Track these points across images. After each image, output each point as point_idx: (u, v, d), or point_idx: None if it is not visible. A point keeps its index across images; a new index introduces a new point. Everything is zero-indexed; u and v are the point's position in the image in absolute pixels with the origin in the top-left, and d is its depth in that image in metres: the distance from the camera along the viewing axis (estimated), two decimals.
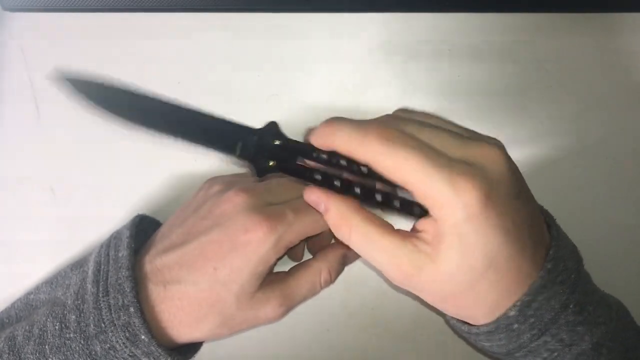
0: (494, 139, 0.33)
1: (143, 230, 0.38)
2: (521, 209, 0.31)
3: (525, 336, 0.32)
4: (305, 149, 0.34)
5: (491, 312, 0.32)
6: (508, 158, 0.32)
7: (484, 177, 0.30)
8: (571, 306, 0.32)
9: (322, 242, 0.40)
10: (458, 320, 0.35)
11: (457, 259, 0.30)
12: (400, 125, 0.32)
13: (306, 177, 0.34)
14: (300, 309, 0.38)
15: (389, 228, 0.33)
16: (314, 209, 0.35)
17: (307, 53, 0.45)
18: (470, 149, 0.31)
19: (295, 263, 0.40)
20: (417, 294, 0.33)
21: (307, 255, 0.42)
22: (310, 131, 0.34)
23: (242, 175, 0.40)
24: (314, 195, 0.34)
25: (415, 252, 0.31)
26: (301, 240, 0.36)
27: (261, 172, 0.35)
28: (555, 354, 0.32)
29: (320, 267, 0.38)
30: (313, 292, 0.38)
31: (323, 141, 0.33)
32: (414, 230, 0.33)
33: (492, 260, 0.30)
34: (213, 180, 0.39)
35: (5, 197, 0.43)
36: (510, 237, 0.30)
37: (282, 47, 0.45)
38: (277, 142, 0.35)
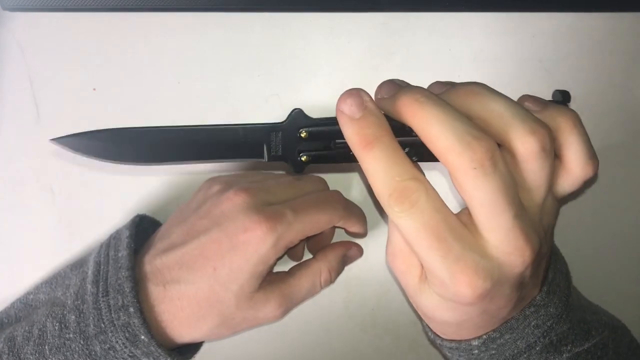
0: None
1: (143, 230, 0.38)
2: (514, 297, 0.31)
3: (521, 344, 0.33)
4: (335, 129, 0.32)
5: (458, 337, 0.34)
6: (537, 259, 0.30)
7: (489, 277, 0.28)
8: (537, 348, 0.33)
9: (322, 241, 0.40)
10: (428, 326, 0.36)
11: (433, 299, 0.31)
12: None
13: (346, 159, 0.33)
14: (300, 309, 0.38)
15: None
16: (314, 208, 0.35)
17: (307, 53, 0.45)
18: (499, 242, 0.28)
19: (295, 263, 0.40)
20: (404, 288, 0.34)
21: (307, 255, 0.42)
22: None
23: (242, 175, 0.40)
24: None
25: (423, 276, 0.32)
26: (301, 240, 0.36)
27: (298, 168, 0.35)
28: None
29: (320, 267, 0.38)
30: (313, 292, 0.38)
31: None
32: None
33: (460, 321, 0.31)
34: (213, 179, 0.39)
35: (5, 197, 0.43)
36: (485, 314, 0.31)
37: (282, 47, 0.45)
38: (303, 134, 0.34)
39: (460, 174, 0.28)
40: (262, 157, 0.35)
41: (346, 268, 0.41)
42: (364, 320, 0.43)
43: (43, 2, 0.43)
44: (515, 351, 0.33)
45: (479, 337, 0.33)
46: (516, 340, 0.33)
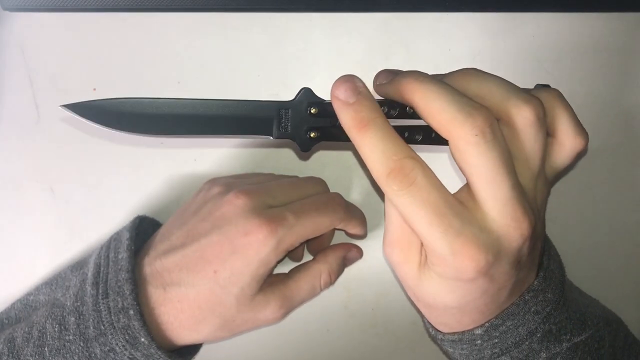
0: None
1: (143, 231, 0.38)
2: (513, 276, 0.31)
3: (487, 352, 0.33)
4: None
5: (459, 327, 0.33)
6: (534, 235, 0.30)
7: (490, 250, 0.29)
8: (538, 335, 0.33)
9: (322, 243, 0.40)
10: (429, 322, 0.36)
11: (432, 283, 0.31)
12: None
13: None
14: (300, 310, 0.38)
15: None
16: (315, 211, 0.35)
17: (307, 53, 0.44)
18: (498, 214, 0.29)
19: (295, 264, 0.40)
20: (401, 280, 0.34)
21: (307, 256, 0.42)
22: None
23: (242, 177, 0.40)
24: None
25: (423, 261, 0.32)
26: (301, 242, 0.36)
27: (305, 146, 0.34)
28: None
29: (320, 269, 0.38)
30: (313, 294, 0.38)
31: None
32: None
33: (460, 303, 0.31)
34: (213, 181, 0.39)
35: (5, 197, 0.43)
36: (486, 294, 0.31)
37: (282, 47, 0.45)
38: (313, 110, 0.34)
39: (462, 143, 0.28)
40: (271, 134, 0.35)
41: (346, 268, 0.41)
42: (364, 320, 0.43)
43: (43, 2, 0.43)
44: (517, 339, 0.33)
45: (481, 326, 0.32)
46: (517, 327, 0.32)
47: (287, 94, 0.43)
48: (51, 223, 0.43)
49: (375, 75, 0.35)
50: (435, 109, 0.29)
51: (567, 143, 0.32)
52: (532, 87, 0.40)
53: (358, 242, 0.42)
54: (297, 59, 0.44)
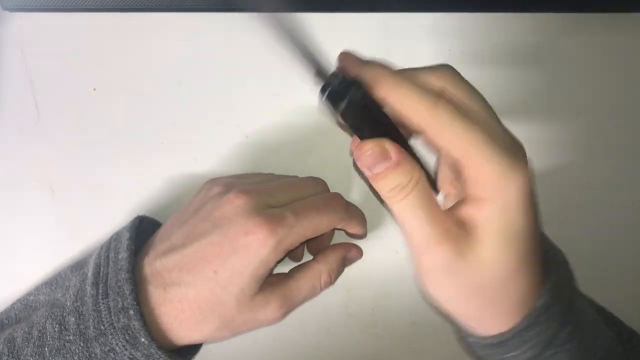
0: None
1: (143, 231, 0.38)
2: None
3: (552, 330, 0.32)
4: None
5: (518, 312, 0.32)
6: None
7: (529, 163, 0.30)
8: (577, 290, 0.34)
9: (322, 242, 0.40)
10: (472, 336, 0.34)
11: (502, 246, 0.30)
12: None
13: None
14: (300, 309, 0.38)
15: (440, 208, 0.31)
16: (315, 211, 0.35)
17: None
18: (514, 141, 0.31)
19: (295, 263, 0.40)
20: (440, 289, 0.32)
21: (307, 256, 0.42)
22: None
23: (242, 176, 0.40)
24: (387, 145, 0.31)
25: (458, 239, 0.30)
26: (301, 242, 0.36)
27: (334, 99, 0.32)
28: (575, 342, 0.32)
29: (321, 269, 0.38)
30: (313, 294, 0.38)
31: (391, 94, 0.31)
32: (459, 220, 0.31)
33: (527, 251, 0.30)
34: (213, 181, 0.39)
35: (5, 197, 0.43)
36: (538, 230, 0.31)
37: (282, 47, 0.44)
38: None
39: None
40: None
41: (346, 268, 0.41)
42: (364, 320, 0.43)
43: (43, 3, 0.43)
44: (570, 296, 0.33)
45: (545, 291, 0.31)
46: (564, 286, 0.33)
47: (287, 94, 0.44)
48: (51, 223, 0.43)
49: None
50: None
51: None
52: (532, 88, 0.40)
53: (358, 242, 0.42)
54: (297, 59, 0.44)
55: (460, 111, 0.29)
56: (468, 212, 0.30)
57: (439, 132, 0.29)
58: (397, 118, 0.31)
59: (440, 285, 0.32)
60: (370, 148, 0.31)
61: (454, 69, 0.32)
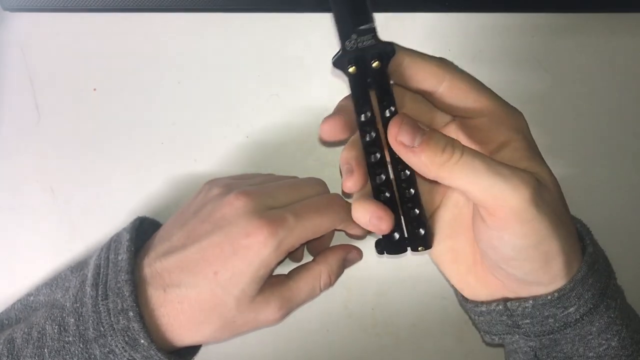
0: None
1: (143, 232, 0.38)
2: (566, 212, 0.33)
3: (603, 279, 0.33)
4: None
5: (571, 260, 0.32)
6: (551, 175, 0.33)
7: (532, 178, 0.30)
8: (611, 268, 0.35)
9: (322, 244, 0.40)
10: (520, 299, 0.34)
11: (547, 171, 0.33)
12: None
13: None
14: (300, 310, 0.38)
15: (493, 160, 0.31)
16: (315, 212, 0.35)
17: (307, 53, 0.44)
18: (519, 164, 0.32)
19: (295, 264, 0.40)
20: (515, 237, 0.31)
21: (307, 256, 0.42)
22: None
23: (242, 177, 0.40)
24: (411, 124, 0.31)
25: (530, 176, 0.30)
26: (301, 243, 0.36)
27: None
28: (619, 301, 0.34)
29: (321, 270, 0.38)
30: (313, 295, 0.38)
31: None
32: None
33: (554, 219, 0.31)
34: (213, 182, 0.39)
35: (5, 197, 0.43)
36: (557, 203, 0.32)
37: (282, 47, 0.45)
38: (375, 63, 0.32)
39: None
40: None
41: (346, 269, 0.41)
42: (364, 320, 0.43)
43: (43, 3, 0.43)
44: (605, 279, 0.34)
45: (583, 264, 0.32)
46: (599, 254, 0.34)
47: (287, 94, 0.44)
48: (51, 223, 0.43)
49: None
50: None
51: None
52: (532, 88, 0.40)
53: (358, 243, 0.42)
54: (297, 59, 0.44)
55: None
56: (505, 157, 0.33)
57: (456, 87, 0.33)
58: (409, 83, 0.33)
59: (532, 220, 0.30)
60: (402, 122, 0.31)
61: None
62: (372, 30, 0.32)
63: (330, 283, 0.39)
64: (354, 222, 0.38)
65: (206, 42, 0.44)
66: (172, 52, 0.44)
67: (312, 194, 0.38)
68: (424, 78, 0.33)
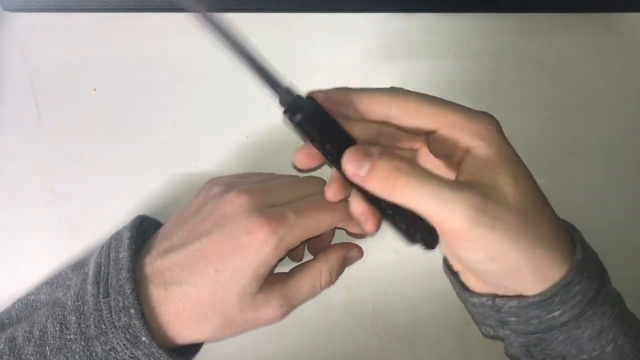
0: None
1: (143, 230, 0.38)
2: (539, 218, 0.32)
3: (593, 286, 0.32)
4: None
5: (561, 257, 0.32)
6: None
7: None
8: (606, 276, 0.34)
9: (322, 242, 0.40)
10: (506, 297, 0.33)
11: (510, 175, 0.31)
12: None
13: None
14: (300, 309, 0.38)
15: (442, 177, 0.31)
16: (316, 210, 0.35)
17: (307, 53, 0.45)
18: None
19: (295, 263, 0.40)
20: (469, 252, 0.31)
21: (307, 256, 0.42)
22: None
23: (242, 176, 0.40)
24: (361, 146, 0.32)
25: (473, 188, 0.30)
26: (302, 242, 0.36)
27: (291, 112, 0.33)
28: (617, 309, 0.33)
29: (321, 269, 0.38)
30: (313, 294, 0.38)
31: (356, 100, 0.33)
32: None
33: (531, 177, 0.32)
34: (213, 181, 0.39)
35: (6, 197, 0.43)
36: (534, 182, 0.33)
37: (282, 47, 0.45)
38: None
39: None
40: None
41: (346, 268, 0.41)
42: (364, 320, 0.43)
43: (43, 3, 0.43)
44: (600, 263, 0.34)
45: (569, 271, 0.31)
46: (591, 259, 0.33)
47: None
48: (51, 223, 0.43)
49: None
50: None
51: None
52: (532, 88, 0.40)
53: (358, 242, 0.42)
54: (297, 59, 0.44)
55: (403, 89, 0.33)
56: (470, 173, 0.32)
57: (405, 109, 0.32)
58: (365, 117, 0.33)
59: (480, 238, 0.30)
60: (349, 155, 0.32)
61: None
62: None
63: (331, 281, 0.39)
64: (354, 220, 0.38)
65: (206, 42, 0.44)
66: (172, 52, 0.44)
67: (313, 192, 0.38)
68: (373, 109, 0.33)
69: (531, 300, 0.32)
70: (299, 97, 0.33)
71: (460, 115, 0.32)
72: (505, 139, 0.32)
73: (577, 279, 0.32)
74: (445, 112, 0.32)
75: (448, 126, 0.32)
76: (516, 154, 0.32)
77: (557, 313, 0.32)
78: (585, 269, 0.32)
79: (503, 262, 0.31)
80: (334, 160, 0.32)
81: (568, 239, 0.33)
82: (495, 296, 0.34)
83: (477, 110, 0.33)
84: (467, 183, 0.31)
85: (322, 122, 0.33)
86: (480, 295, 0.35)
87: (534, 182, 0.32)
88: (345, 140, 0.33)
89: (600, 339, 0.33)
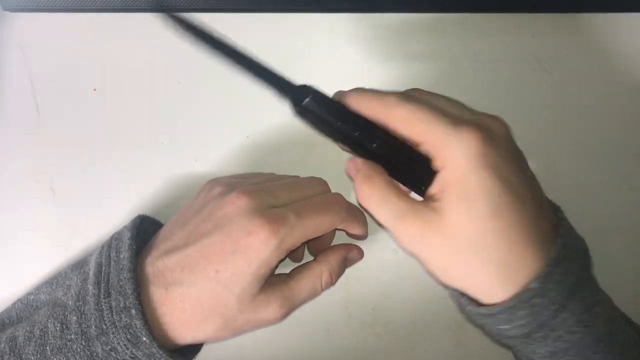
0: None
1: (144, 230, 0.38)
2: (522, 172, 0.32)
3: (546, 313, 0.32)
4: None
5: (507, 281, 0.32)
6: (511, 133, 0.34)
7: (487, 131, 0.32)
8: (585, 284, 0.33)
9: (322, 243, 0.40)
10: (474, 304, 0.34)
11: (462, 206, 0.31)
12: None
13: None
14: (300, 310, 0.38)
15: (406, 194, 0.34)
16: (317, 211, 0.36)
17: (306, 54, 0.45)
18: (478, 115, 0.34)
19: (295, 264, 0.40)
20: (426, 261, 0.34)
21: (307, 256, 0.42)
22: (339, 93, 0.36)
23: (243, 176, 0.40)
24: (354, 162, 0.36)
25: (424, 210, 0.32)
26: (302, 243, 0.36)
27: (298, 106, 0.36)
28: (577, 335, 0.32)
29: (322, 269, 0.38)
30: (314, 294, 0.38)
31: (353, 99, 0.35)
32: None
33: (495, 209, 0.31)
34: (214, 181, 0.39)
35: (6, 197, 0.43)
36: (511, 189, 0.31)
37: (282, 48, 0.45)
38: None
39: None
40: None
41: (346, 269, 0.41)
42: (364, 320, 0.43)
43: (43, 3, 0.43)
44: (568, 289, 0.32)
45: (537, 278, 0.31)
46: (566, 274, 0.32)
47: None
48: (51, 223, 0.43)
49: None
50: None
51: None
52: (532, 88, 0.40)
53: (359, 243, 0.42)
54: (297, 59, 0.44)
55: (405, 96, 0.34)
56: (433, 191, 0.33)
57: (389, 116, 0.34)
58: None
59: (423, 261, 0.34)
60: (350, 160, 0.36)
61: None
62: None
63: (332, 282, 0.39)
64: (354, 221, 0.38)
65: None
66: (172, 52, 0.44)
67: (314, 193, 0.38)
68: (372, 117, 0.35)
69: (482, 311, 0.33)
70: (304, 86, 0.37)
71: (438, 138, 0.32)
72: (485, 163, 0.31)
73: (522, 305, 0.31)
74: (427, 131, 0.32)
75: (427, 145, 0.33)
76: (491, 183, 0.31)
77: (505, 327, 0.33)
78: (542, 293, 0.31)
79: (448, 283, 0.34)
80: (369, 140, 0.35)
81: (530, 267, 0.32)
82: (462, 296, 0.35)
83: (464, 128, 0.32)
84: (426, 200, 0.34)
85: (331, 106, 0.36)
86: (454, 291, 0.35)
87: (496, 215, 0.31)
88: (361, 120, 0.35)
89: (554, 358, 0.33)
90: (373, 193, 0.34)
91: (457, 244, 0.32)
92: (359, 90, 0.35)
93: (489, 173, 0.31)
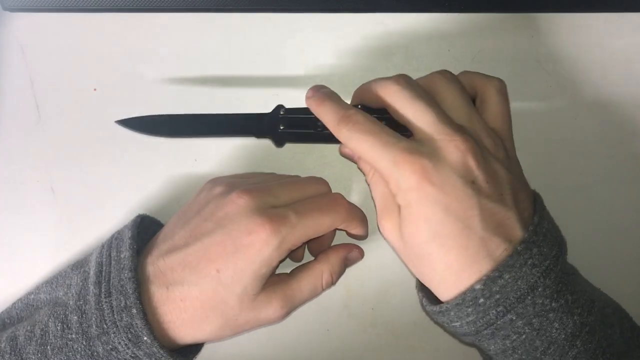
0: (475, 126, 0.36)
1: (144, 230, 0.38)
2: (473, 196, 0.32)
3: (492, 312, 0.32)
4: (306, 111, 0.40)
5: (454, 284, 0.33)
6: (476, 150, 0.33)
7: (424, 155, 0.33)
8: (539, 289, 0.32)
9: (323, 243, 0.40)
10: (430, 302, 0.36)
11: (411, 226, 0.34)
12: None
13: (314, 127, 0.40)
14: (300, 310, 0.38)
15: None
16: (317, 211, 0.36)
17: (306, 53, 0.45)
18: (430, 131, 0.34)
19: (295, 264, 0.40)
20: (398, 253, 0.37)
21: (308, 256, 0.42)
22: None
23: (243, 176, 0.40)
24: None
25: (397, 210, 0.35)
26: (303, 242, 0.36)
27: (278, 141, 0.42)
28: (524, 336, 0.33)
29: (322, 269, 0.38)
30: (314, 294, 0.38)
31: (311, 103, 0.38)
32: None
33: (435, 233, 0.33)
34: (215, 181, 0.39)
35: (5, 197, 0.43)
36: (451, 216, 0.32)
37: (282, 47, 0.45)
38: (281, 113, 0.41)
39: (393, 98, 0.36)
40: (254, 134, 0.42)
41: (346, 268, 0.41)
42: (364, 320, 0.43)
43: (43, 3, 0.43)
44: (519, 293, 0.32)
45: (479, 280, 0.32)
46: (517, 280, 0.32)
47: (287, 94, 0.44)
48: (51, 223, 0.43)
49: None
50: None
51: (485, 90, 0.38)
52: (532, 88, 0.40)
53: (359, 243, 0.42)
54: (297, 59, 0.44)
55: (361, 126, 0.35)
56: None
57: (340, 135, 0.36)
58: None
59: (396, 247, 0.36)
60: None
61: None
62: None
63: (332, 282, 0.39)
64: (355, 221, 0.38)
65: (206, 42, 0.45)
66: (172, 52, 0.44)
67: (314, 192, 0.38)
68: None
69: (435, 308, 0.35)
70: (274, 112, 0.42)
71: (383, 170, 0.34)
72: (422, 196, 0.33)
73: (467, 303, 0.33)
74: (380, 159, 0.34)
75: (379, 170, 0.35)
76: (431, 212, 0.33)
77: (456, 324, 0.34)
78: (488, 296, 0.32)
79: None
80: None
81: (478, 271, 0.33)
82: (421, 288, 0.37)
83: (404, 165, 0.33)
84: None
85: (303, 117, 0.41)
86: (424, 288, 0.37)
87: (437, 238, 0.33)
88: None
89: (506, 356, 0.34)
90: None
91: (410, 249, 0.34)
92: (315, 98, 0.38)
93: (429, 203, 0.33)
